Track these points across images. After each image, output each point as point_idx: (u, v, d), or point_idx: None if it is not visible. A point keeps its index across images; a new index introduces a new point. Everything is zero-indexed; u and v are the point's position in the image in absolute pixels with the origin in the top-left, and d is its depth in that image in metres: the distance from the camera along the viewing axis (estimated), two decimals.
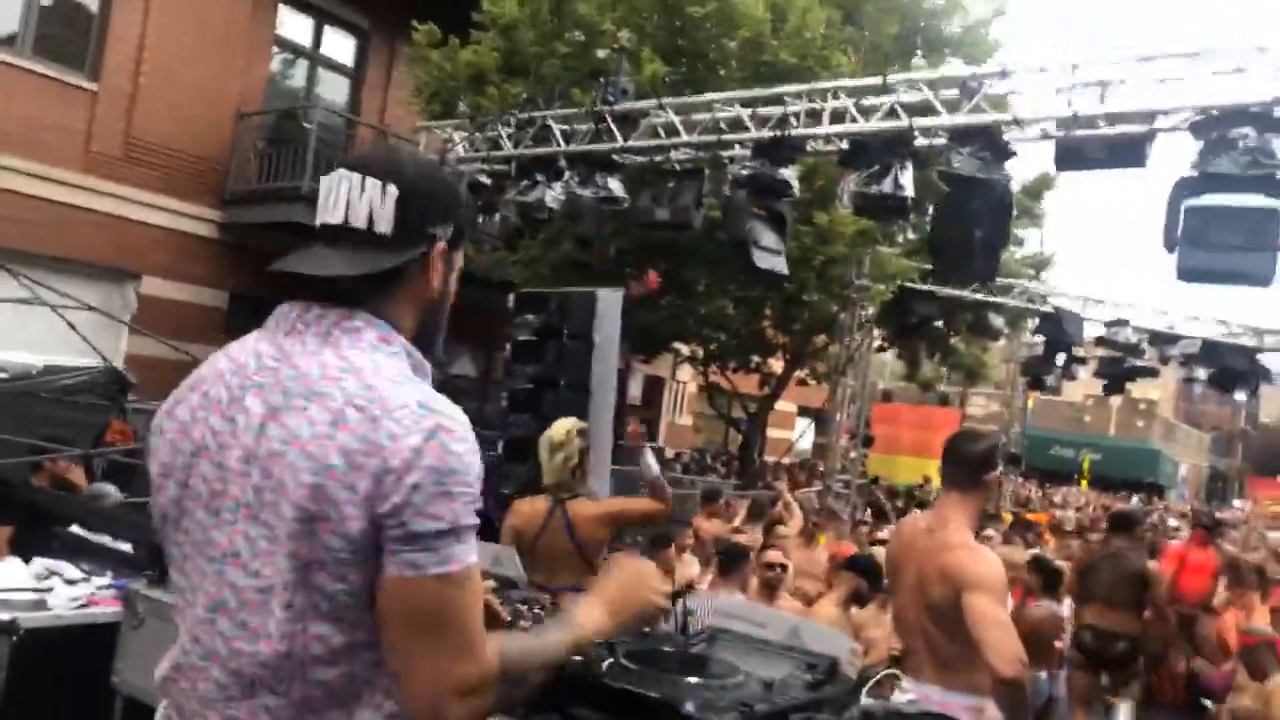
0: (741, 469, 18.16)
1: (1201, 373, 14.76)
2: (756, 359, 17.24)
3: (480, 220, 9.52)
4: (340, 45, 15.24)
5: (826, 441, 17.02)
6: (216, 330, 12.31)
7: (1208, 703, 7.34)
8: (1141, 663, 6.91)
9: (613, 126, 7.88)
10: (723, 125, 7.42)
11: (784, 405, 27.80)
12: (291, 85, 14.99)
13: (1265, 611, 7.18)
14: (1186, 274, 5.60)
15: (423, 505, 1.27)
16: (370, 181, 1.41)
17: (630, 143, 7.83)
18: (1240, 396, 15.68)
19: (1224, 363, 14.08)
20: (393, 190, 1.41)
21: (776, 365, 18.19)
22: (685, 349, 17.63)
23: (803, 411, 28.18)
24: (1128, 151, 5.91)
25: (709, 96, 7.70)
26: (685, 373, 23.16)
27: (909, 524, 3.69)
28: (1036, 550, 9.44)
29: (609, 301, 9.48)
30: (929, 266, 13.26)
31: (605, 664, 1.73)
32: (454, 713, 1.30)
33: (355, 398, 1.32)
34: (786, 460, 20.02)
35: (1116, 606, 6.38)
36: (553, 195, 8.06)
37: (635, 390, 20.38)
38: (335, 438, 1.29)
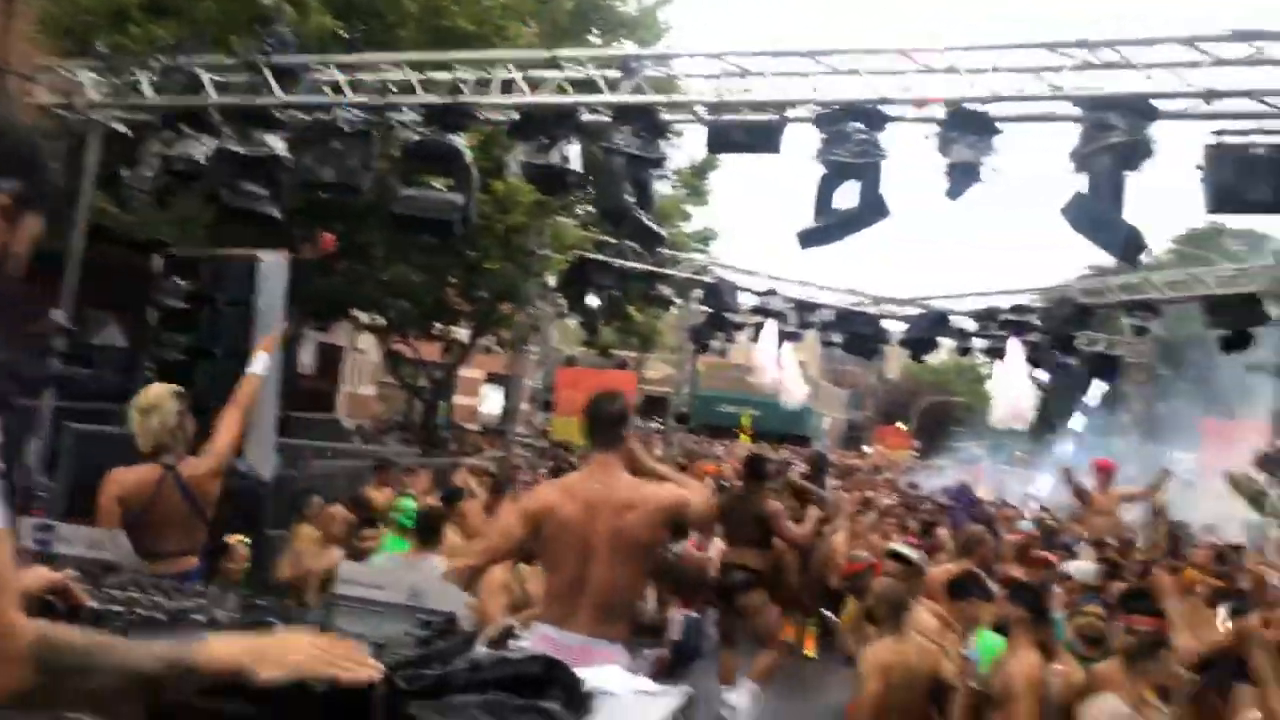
0: (426, 437, 17.95)
1: (837, 337, 16.63)
2: (440, 326, 17.07)
3: (124, 174, 8.57)
4: None
5: (513, 406, 17.28)
6: None
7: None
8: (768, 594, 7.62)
9: (271, 80, 7.39)
10: (392, 87, 7.22)
11: (472, 373, 27.81)
12: None
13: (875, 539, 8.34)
14: (804, 239, 6.31)
15: None
16: None
17: (291, 98, 7.39)
18: (868, 357, 17.86)
19: (853, 328, 15.99)
20: None
21: (461, 333, 18.13)
22: (365, 317, 17.05)
23: (490, 378, 28.37)
24: (766, 137, 6.50)
25: (377, 56, 7.46)
26: (366, 341, 22.42)
27: (576, 480, 3.84)
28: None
29: (272, 266, 8.92)
30: (605, 237, 13.85)
31: None
32: None
33: None
34: (473, 427, 20.07)
35: (742, 544, 7.04)
36: (202, 150, 7.42)
37: (308, 360, 19.40)
38: None
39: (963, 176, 5.91)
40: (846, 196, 6.16)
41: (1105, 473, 10.33)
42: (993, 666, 4.83)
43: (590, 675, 2.09)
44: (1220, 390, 15.98)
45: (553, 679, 1.90)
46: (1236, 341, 11.49)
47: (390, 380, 22.48)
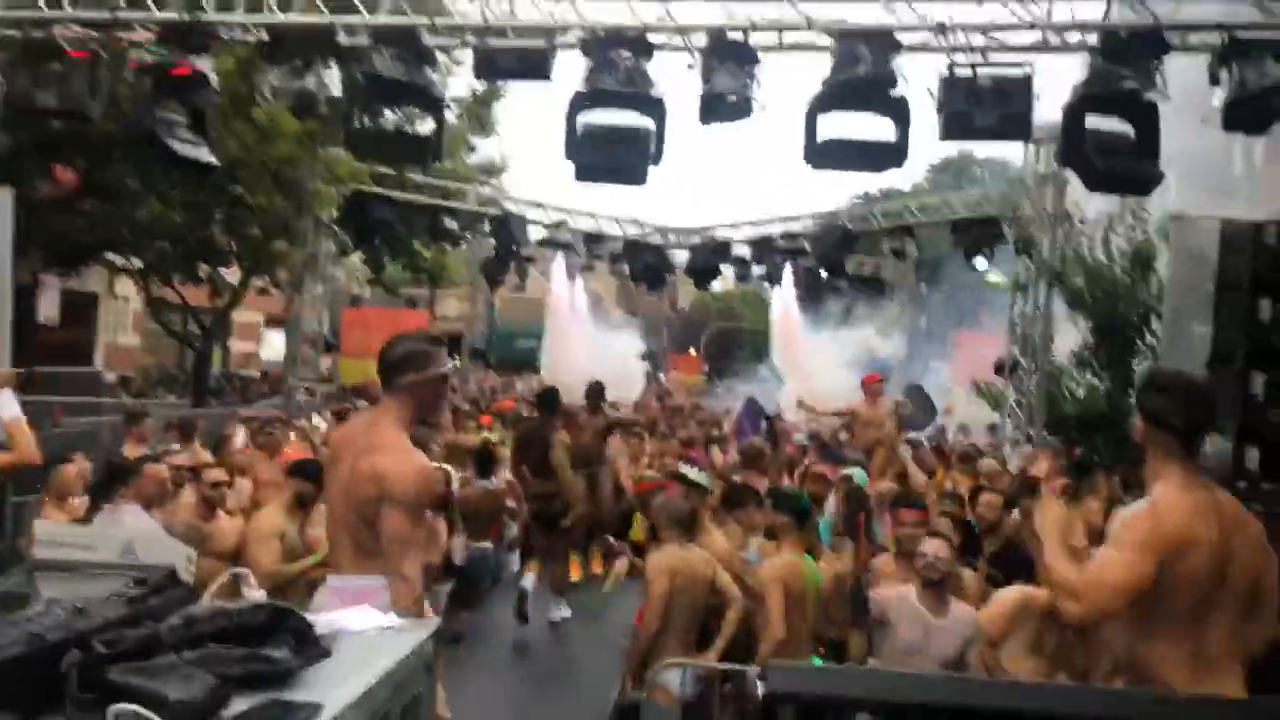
0: (197, 387, 16.80)
1: (625, 267, 16.88)
2: (206, 268, 15.90)
3: None
4: None
5: (294, 350, 16.43)
6: None
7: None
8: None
9: None
10: (120, 3, 6.49)
11: (247, 316, 26.19)
12: None
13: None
14: (582, 174, 6.29)
15: None
16: None
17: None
18: (655, 287, 18.24)
19: (641, 258, 16.26)
20: None
21: (231, 275, 16.96)
22: (119, 260, 15.61)
23: (269, 321, 26.83)
24: (535, 65, 6.36)
25: None
26: (127, 287, 20.56)
27: (354, 420, 3.69)
28: (487, 435, 10.18)
29: None
30: (384, 169, 13.25)
31: None
32: None
33: None
34: (248, 372, 19.00)
35: (543, 474, 7.20)
36: None
37: (50, 310, 17.57)
38: None
39: (725, 104, 6.04)
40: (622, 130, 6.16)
41: (873, 387, 11.10)
42: (758, 568, 5.18)
43: (333, 617, 2.03)
44: (969, 305, 17.51)
45: (279, 626, 1.82)
46: (982, 259, 12.63)
47: (157, 328, 20.82)
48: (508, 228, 15.22)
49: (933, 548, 4.40)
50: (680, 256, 16.99)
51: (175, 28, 6.39)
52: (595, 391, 8.77)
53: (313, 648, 1.84)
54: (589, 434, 8.11)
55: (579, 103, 6.19)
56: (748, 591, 5.26)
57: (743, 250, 16.10)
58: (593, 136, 6.13)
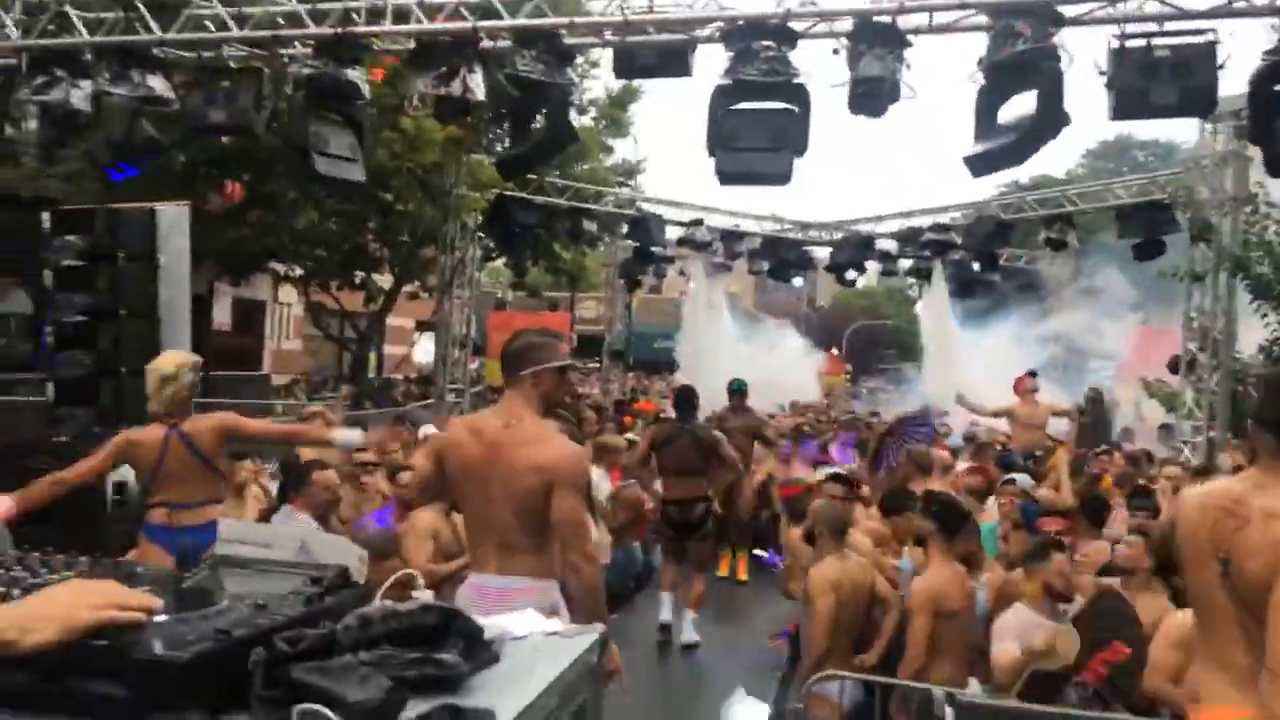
0: (356, 390, 17.59)
1: (764, 265, 16.65)
2: (361, 274, 16.63)
3: (6, 129, 8.01)
4: None
5: (443, 353, 16.97)
6: None
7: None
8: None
9: (147, 17, 6.90)
10: (279, 21, 6.81)
11: (399, 320, 27.28)
12: None
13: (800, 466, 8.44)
14: (723, 177, 6.17)
15: None
16: None
17: (170, 35, 6.91)
18: (797, 283, 17.93)
19: (779, 255, 16.00)
20: None
21: (384, 280, 17.68)
22: (283, 268, 16.50)
23: (420, 325, 27.84)
24: (675, 60, 6.29)
25: None
26: (289, 294, 21.76)
27: (480, 419, 3.69)
28: (630, 436, 10.19)
29: (172, 217, 8.50)
30: (530, 175, 13.51)
31: None
32: None
33: None
34: (401, 375, 19.77)
35: (685, 474, 7.05)
36: (80, 94, 6.92)
37: (223, 316, 18.76)
38: None
39: (873, 91, 5.81)
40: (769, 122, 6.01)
41: (1027, 387, 10.51)
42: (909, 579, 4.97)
43: (499, 621, 1.99)
44: (1135, 298, 16.41)
45: (449, 629, 1.80)
46: (1149, 249, 11.78)
47: (315, 333, 21.96)
48: (645, 228, 15.27)
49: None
50: (821, 253, 16.66)
51: (328, 42, 6.64)
52: (737, 391, 8.60)
53: (483, 652, 1.81)
54: (733, 436, 7.94)
55: (722, 97, 6.08)
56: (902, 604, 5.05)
57: (888, 244, 15.62)
58: (736, 133, 6.00)
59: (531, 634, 2.03)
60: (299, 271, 16.15)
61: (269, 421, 4.99)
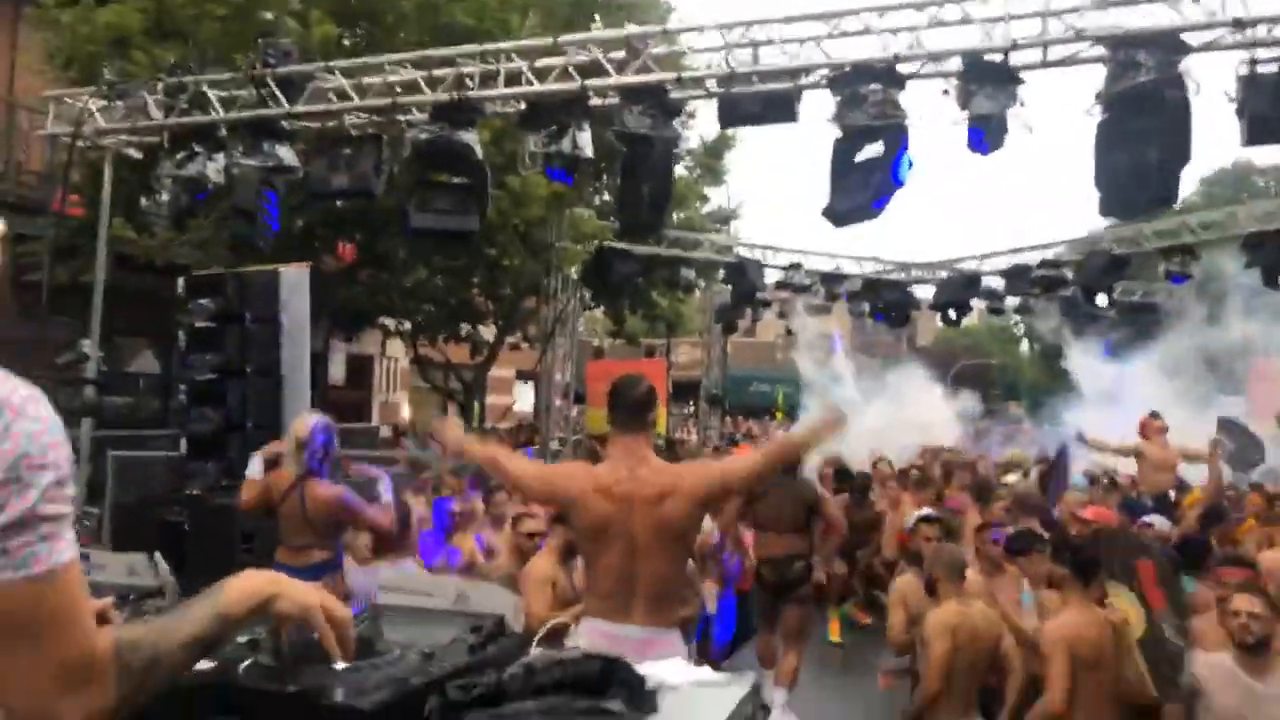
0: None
1: (865, 306, 16.44)
2: (467, 327, 17.06)
3: (142, 201, 8.58)
4: None
5: (546, 402, 17.21)
6: None
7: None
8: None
9: (276, 91, 7.33)
10: (397, 89, 7.14)
11: (501, 371, 27.81)
12: None
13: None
14: (836, 219, 6.16)
15: None
16: None
17: (297, 108, 7.32)
18: (898, 325, 17.62)
19: (882, 295, 15.78)
20: None
21: (488, 332, 18.09)
22: (391, 324, 17.07)
23: (520, 375, 28.34)
24: (780, 106, 6.35)
25: (379, 58, 7.38)
26: (395, 348, 22.46)
27: (606, 473, 3.71)
28: None
29: (294, 279, 8.92)
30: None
31: (242, 666, 1.61)
32: (65, 709, 1.17)
33: None
34: (504, 425, 20.07)
35: (782, 530, 6.72)
36: (214, 167, 7.38)
37: (338, 372, 19.47)
38: None
39: (986, 130, 5.73)
40: (870, 165, 5.99)
41: (1155, 427, 10.05)
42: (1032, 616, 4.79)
43: (650, 669, 2.00)
44: (1262, 331, 15.59)
45: (612, 677, 1.81)
46: (1276, 278, 11.21)
47: (421, 385, 22.53)
48: (743, 272, 15.28)
49: (1245, 604, 3.87)
50: (924, 292, 16.35)
51: (445, 107, 6.92)
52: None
53: (645, 701, 1.82)
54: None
55: (842, 151, 6.07)
56: (1024, 641, 4.86)
57: (994, 281, 15.24)
58: (847, 178, 5.99)
59: (684, 683, 2.03)
60: (407, 326, 16.67)
61: (379, 513, 5.51)
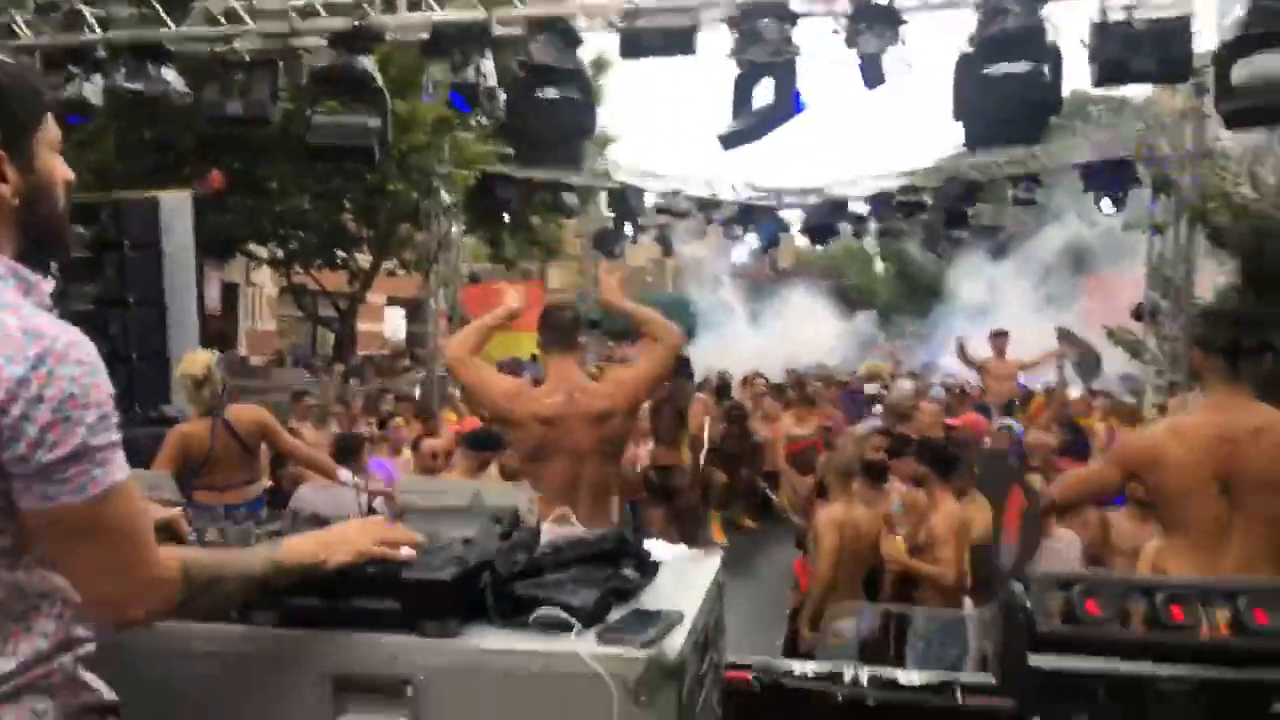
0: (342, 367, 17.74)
1: (739, 231, 17.04)
2: (342, 254, 16.77)
3: None
4: None
5: (421, 329, 17.18)
6: None
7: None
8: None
9: (160, 11, 7.04)
10: (292, 13, 7.00)
11: (372, 298, 27.33)
12: None
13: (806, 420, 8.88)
14: (726, 142, 6.54)
15: (41, 436, 1.26)
16: None
17: (185, 29, 7.07)
18: (770, 248, 18.32)
19: (755, 220, 16.41)
20: None
21: (362, 259, 17.80)
22: (263, 251, 16.58)
23: (391, 301, 27.91)
24: (680, 40, 6.60)
25: None
26: (261, 275, 21.77)
27: (544, 396, 4.02)
28: None
29: (175, 206, 8.69)
30: (507, 150, 13.71)
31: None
32: (132, 613, 1.42)
33: None
34: (384, 352, 19.91)
35: (670, 443, 7.28)
36: (93, 89, 7.06)
37: (213, 300, 18.82)
38: None
39: (873, 68, 6.18)
40: (762, 94, 6.38)
41: (1000, 342, 11.05)
42: (914, 519, 5.42)
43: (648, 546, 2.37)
44: (1097, 249, 17.08)
45: (623, 551, 2.18)
46: (1113, 203, 12.34)
47: (289, 314, 22.00)
48: (624, 198, 15.57)
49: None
50: (792, 217, 17.03)
51: (344, 33, 6.85)
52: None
53: (650, 570, 2.20)
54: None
55: (740, 83, 6.40)
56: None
57: (859, 207, 16.06)
58: (744, 107, 6.36)
59: (672, 557, 2.42)
60: (280, 253, 16.25)
61: (297, 442, 5.72)
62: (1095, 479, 3.35)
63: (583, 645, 1.78)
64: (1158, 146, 11.08)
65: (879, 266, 43.89)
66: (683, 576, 2.29)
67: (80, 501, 1.30)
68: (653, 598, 2.11)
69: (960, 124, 6.38)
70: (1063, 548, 4.54)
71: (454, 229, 14.70)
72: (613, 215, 16.55)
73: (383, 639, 1.82)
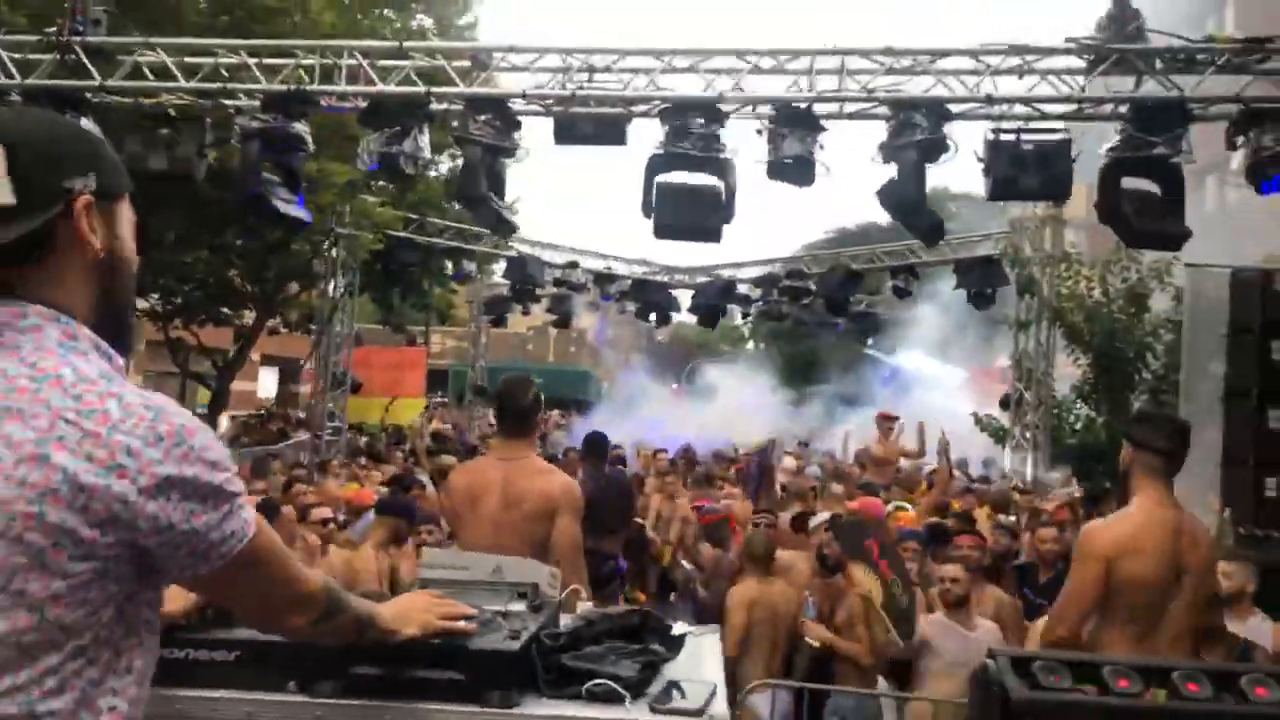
0: (214, 426, 17.02)
1: (632, 305, 17.47)
2: (226, 310, 16.26)
3: None
4: None
5: (293, 390, 16.73)
6: None
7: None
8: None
9: (86, 62, 6.88)
10: (224, 72, 6.97)
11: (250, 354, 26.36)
12: None
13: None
14: (660, 232, 6.84)
15: (188, 509, 1.30)
16: None
17: (112, 83, 6.93)
18: (661, 324, 18.80)
19: (648, 296, 16.87)
20: None
21: (248, 315, 17.27)
22: (143, 303, 15.87)
23: (266, 361, 27.01)
24: (612, 131, 6.93)
25: (210, 41, 7.14)
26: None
27: (489, 467, 4.10)
28: None
29: None
30: (412, 216, 13.82)
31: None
32: (293, 623, 1.61)
33: (64, 412, 1.21)
34: (247, 412, 19.25)
35: (604, 531, 7.17)
36: None
37: None
38: (52, 459, 1.19)
39: (789, 168, 6.65)
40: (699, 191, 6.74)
41: (887, 424, 11.66)
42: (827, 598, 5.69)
43: None
44: (972, 342, 18.24)
45: (647, 626, 2.34)
46: (982, 299, 13.34)
47: (162, 370, 20.97)
48: (524, 267, 15.76)
49: (950, 572, 4.93)
50: (684, 295, 17.58)
51: (279, 96, 6.88)
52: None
53: (674, 645, 2.36)
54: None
55: (656, 165, 6.76)
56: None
57: (747, 289, 16.74)
58: (670, 197, 6.70)
59: (681, 632, 2.58)
60: (159, 307, 15.61)
61: None
62: (1086, 586, 3.16)
63: (638, 714, 1.92)
64: (1020, 249, 12.10)
65: (749, 345, 45.23)
66: (700, 650, 2.46)
67: (244, 546, 1.40)
68: (674, 669, 2.27)
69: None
70: (987, 637, 4.81)
71: (345, 289, 14.55)
72: (508, 283, 16.72)
73: (449, 709, 1.91)
